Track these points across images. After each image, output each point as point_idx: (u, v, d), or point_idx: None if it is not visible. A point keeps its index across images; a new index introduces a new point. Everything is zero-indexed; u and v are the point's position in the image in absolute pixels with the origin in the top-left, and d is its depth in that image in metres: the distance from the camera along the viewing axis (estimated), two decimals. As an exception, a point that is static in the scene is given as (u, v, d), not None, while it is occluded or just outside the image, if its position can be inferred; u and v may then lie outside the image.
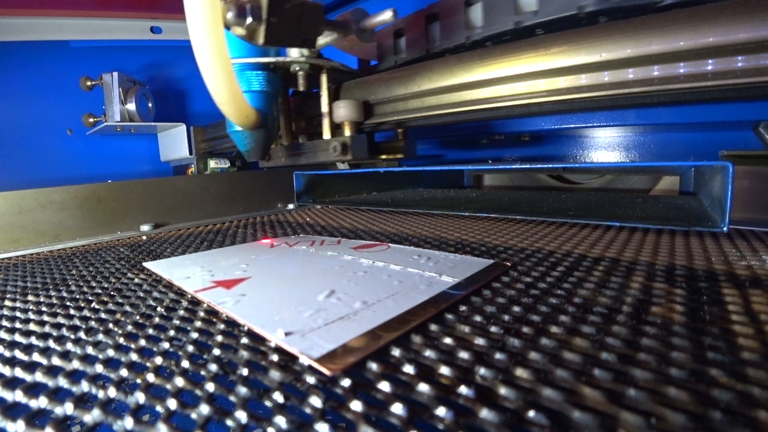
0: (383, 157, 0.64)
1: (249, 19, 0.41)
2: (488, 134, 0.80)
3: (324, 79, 0.59)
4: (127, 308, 0.23)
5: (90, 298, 0.26)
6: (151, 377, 0.16)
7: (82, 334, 0.20)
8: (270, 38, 0.42)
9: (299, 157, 0.64)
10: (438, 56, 0.57)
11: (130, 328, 0.21)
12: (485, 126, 0.76)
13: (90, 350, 0.18)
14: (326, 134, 0.60)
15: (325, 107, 0.59)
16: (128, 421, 0.13)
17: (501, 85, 0.46)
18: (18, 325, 0.22)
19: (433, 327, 0.19)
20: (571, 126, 0.68)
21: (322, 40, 0.54)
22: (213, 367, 0.16)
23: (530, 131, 0.74)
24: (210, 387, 0.15)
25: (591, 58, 0.38)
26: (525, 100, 0.45)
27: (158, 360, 0.17)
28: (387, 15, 0.50)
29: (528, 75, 0.43)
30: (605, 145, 0.76)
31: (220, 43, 0.38)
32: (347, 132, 0.57)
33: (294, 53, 0.57)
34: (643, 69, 0.37)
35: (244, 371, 0.16)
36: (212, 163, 0.92)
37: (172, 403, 0.14)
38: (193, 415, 0.13)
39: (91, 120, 0.88)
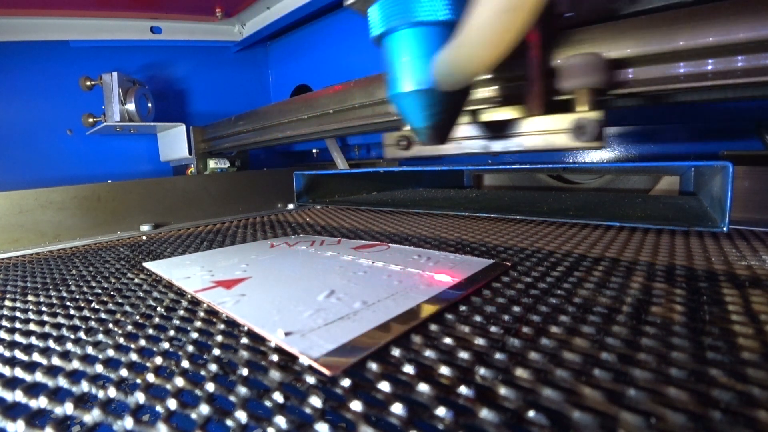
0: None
1: None
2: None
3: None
4: (127, 308, 0.23)
5: (90, 298, 0.26)
6: (151, 377, 0.16)
7: (82, 334, 0.20)
8: None
9: (492, 142, 0.42)
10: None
11: (130, 328, 0.21)
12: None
13: (90, 350, 0.18)
14: (535, 108, 0.38)
15: (537, 67, 0.37)
16: (128, 421, 0.13)
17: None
18: (18, 325, 0.22)
19: (433, 327, 0.19)
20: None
21: None
22: (213, 367, 0.16)
23: None
24: (210, 387, 0.15)
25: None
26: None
27: (158, 360, 0.17)
28: None
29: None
30: (605, 145, 0.76)
31: None
32: (582, 105, 0.36)
33: None
34: (642, 69, 0.36)
35: (244, 371, 0.16)
36: (212, 163, 0.92)
37: (172, 403, 0.14)
38: (193, 415, 0.13)
39: (91, 120, 0.88)
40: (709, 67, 0.33)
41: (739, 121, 0.57)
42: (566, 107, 0.37)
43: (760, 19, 0.30)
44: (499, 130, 0.41)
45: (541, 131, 0.38)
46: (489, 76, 0.42)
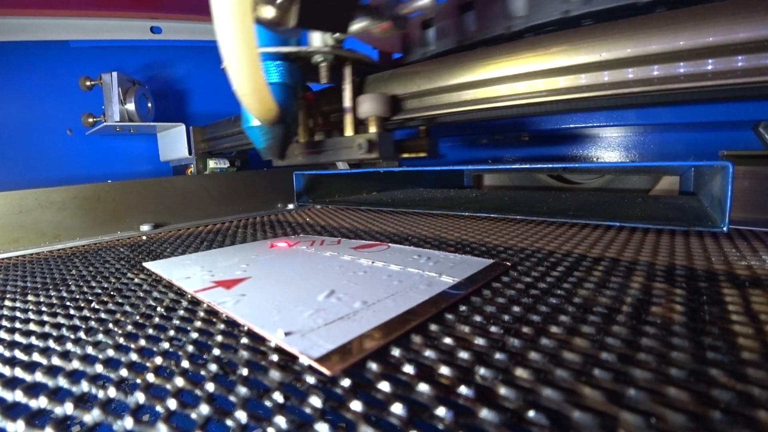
0: (406, 155, 0.60)
1: None
2: (522, 132, 0.76)
3: (348, 71, 0.55)
4: (127, 308, 0.23)
5: (90, 298, 0.26)
6: (151, 377, 0.16)
7: (82, 334, 0.20)
8: (303, 19, 0.38)
9: (318, 156, 0.59)
10: (471, 48, 0.51)
11: (130, 328, 0.21)
12: (522, 123, 0.72)
13: (90, 350, 0.18)
14: (348, 131, 0.55)
15: (348, 102, 0.55)
16: (128, 421, 0.13)
17: (548, 78, 0.42)
18: (18, 325, 0.22)
19: (433, 327, 0.19)
20: (573, 126, 0.68)
21: (355, 25, 0.49)
22: (213, 367, 0.16)
23: (561, 129, 0.71)
24: (210, 387, 0.15)
25: (590, 58, 0.38)
26: (581, 94, 0.40)
27: (158, 360, 0.17)
28: (426, 0, 0.46)
29: (581, 67, 0.39)
30: (605, 145, 0.76)
31: (247, 27, 0.34)
32: (372, 128, 0.52)
33: (317, 42, 0.52)
34: (642, 69, 0.37)
35: (244, 371, 0.16)
36: (212, 163, 0.92)
37: (172, 403, 0.14)
38: (193, 415, 0.13)
39: (91, 120, 0.88)
40: (457, 100, 0.50)
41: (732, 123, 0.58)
42: (366, 129, 0.54)
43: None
44: (323, 146, 0.59)
45: (346, 146, 0.55)
46: (324, 108, 0.63)
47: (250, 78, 0.37)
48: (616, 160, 0.74)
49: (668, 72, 0.35)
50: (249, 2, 0.32)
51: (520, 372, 0.14)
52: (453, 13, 0.56)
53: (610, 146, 0.75)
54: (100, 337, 0.20)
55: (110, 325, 0.21)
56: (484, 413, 0.12)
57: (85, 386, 0.15)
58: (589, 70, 0.39)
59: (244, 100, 0.41)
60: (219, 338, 0.19)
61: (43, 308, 0.24)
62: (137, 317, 0.22)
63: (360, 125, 0.56)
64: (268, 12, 0.37)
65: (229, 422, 0.13)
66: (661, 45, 0.35)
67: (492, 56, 0.45)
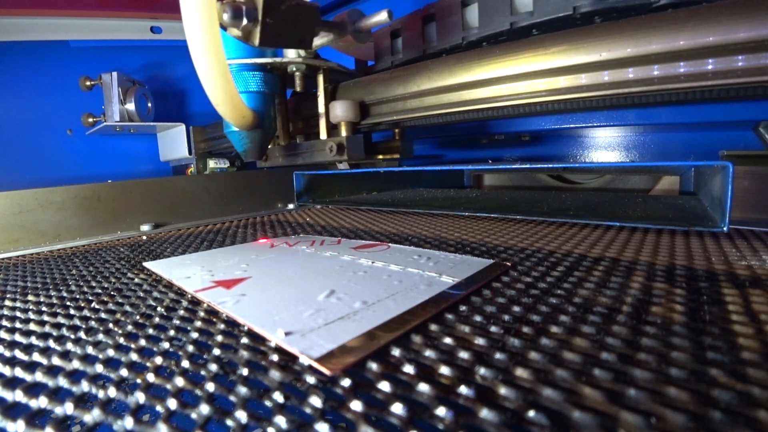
0: (380, 157, 0.64)
1: (245, 21, 0.41)
2: (488, 134, 0.80)
3: (321, 79, 0.59)
4: (127, 308, 0.23)
5: (90, 298, 0.26)
6: (151, 377, 0.16)
7: (82, 334, 0.20)
8: (266, 40, 0.42)
9: (296, 157, 0.64)
10: (435, 56, 0.57)
11: (130, 328, 0.21)
12: (484, 126, 0.75)
13: (90, 350, 0.18)
14: (323, 134, 0.60)
15: (321, 108, 0.60)
16: (128, 421, 0.13)
17: (500, 85, 0.46)
18: (18, 325, 0.22)
19: (433, 327, 0.19)
20: (571, 126, 0.68)
21: (319, 41, 0.54)
22: (213, 367, 0.16)
23: (530, 131, 0.74)
24: (210, 387, 0.15)
25: (590, 57, 0.38)
26: (525, 100, 0.45)
27: (158, 360, 0.17)
28: (383, 16, 0.50)
29: (527, 74, 0.44)
30: (605, 145, 0.76)
31: (216, 44, 0.38)
32: (344, 132, 0.57)
33: (291, 54, 0.58)
34: (643, 68, 0.37)
35: (244, 371, 0.16)
36: (211, 163, 0.92)
37: (172, 403, 0.14)
38: (193, 415, 0.13)
39: (91, 120, 0.88)
40: (423, 104, 0.54)
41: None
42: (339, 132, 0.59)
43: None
44: (301, 149, 0.64)
45: (321, 149, 0.60)
46: (303, 113, 0.68)
47: (221, 89, 0.42)
48: (616, 160, 0.74)
49: (668, 72, 0.35)
50: (216, 23, 0.36)
51: (520, 372, 0.14)
52: (416, 25, 0.61)
53: (610, 146, 0.75)
54: (100, 337, 0.20)
55: (110, 325, 0.21)
56: (484, 413, 0.12)
57: (85, 386, 0.15)
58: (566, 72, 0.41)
59: (219, 109, 0.44)
60: (219, 338, 0.19)
61: (43, 308, 0.24)
62: (137, 317, 0.22)
63: (334, 129, 0.60)
64: (234, 33, 0.41)
65: (229, 422, 0.13)
66: (662, 45, 0.35)
67: (449, 64, 0.50)
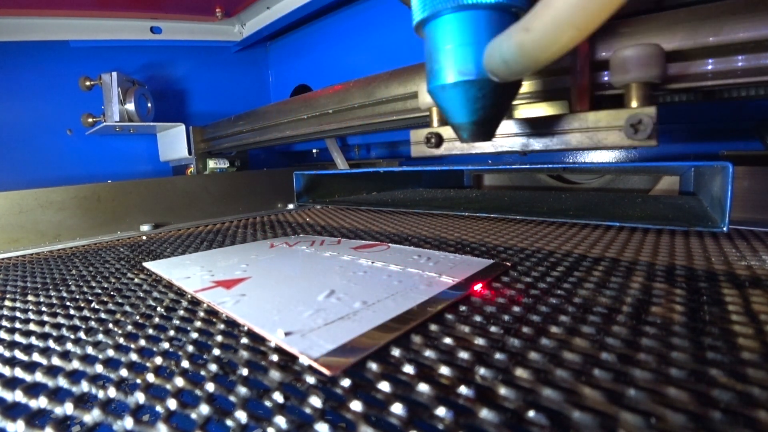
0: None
1: None
2: None
3: None
4: (127, 308, 0.23)
5: (90, 298, 0.26)
6: (151, 377, 0.16)
7: (82, 334, 0.20)
8: None
9: (556, 138, 0.36)
10: None
11: (130, 328, 0.21)
12: None
13: (90, 350, 0.18)
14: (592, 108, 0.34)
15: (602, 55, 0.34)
16: (128, 421, 0.13)
17: None
18: (18, 325, 0.22)
19: (433, 327, 0.19)
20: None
21: None
22: (213, 367, 0.16)
23: None
24: (210, 387, 0.15)
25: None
26: None
27: (158, 360, 0.17)
28: None
29: None
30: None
31: None
32: (634, 102, 0.32)
33: None
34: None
35: (244, 371, 0.16)
36: (211, 163, 0.92)
37: (172, 403, 0.14)
38: (193, 415, 0.13)
39: (90, 120, 0.88)
40: None
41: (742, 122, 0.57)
42: (613, 103, 0.33)
43: None
44: (537, 127, 0.37)
45: (587, 128, 0.34)
46: None
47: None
48: (616, 160, 0.74)
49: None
50: None
51: (520, 372, 0.14)
52: None
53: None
54: (100, 337, 0.20)
55: (110, 325, 0.21)
56: (484, 413, 0.12)
57: (85, 386, 0.15)
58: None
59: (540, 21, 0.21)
60: (219, 338, 0.19)
61: (43, 308, 0.24)
62: (137, 317, 0.22)
63: (601, 96, 0.36)
64: None
65: (229, 422, 0.13)
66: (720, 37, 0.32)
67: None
